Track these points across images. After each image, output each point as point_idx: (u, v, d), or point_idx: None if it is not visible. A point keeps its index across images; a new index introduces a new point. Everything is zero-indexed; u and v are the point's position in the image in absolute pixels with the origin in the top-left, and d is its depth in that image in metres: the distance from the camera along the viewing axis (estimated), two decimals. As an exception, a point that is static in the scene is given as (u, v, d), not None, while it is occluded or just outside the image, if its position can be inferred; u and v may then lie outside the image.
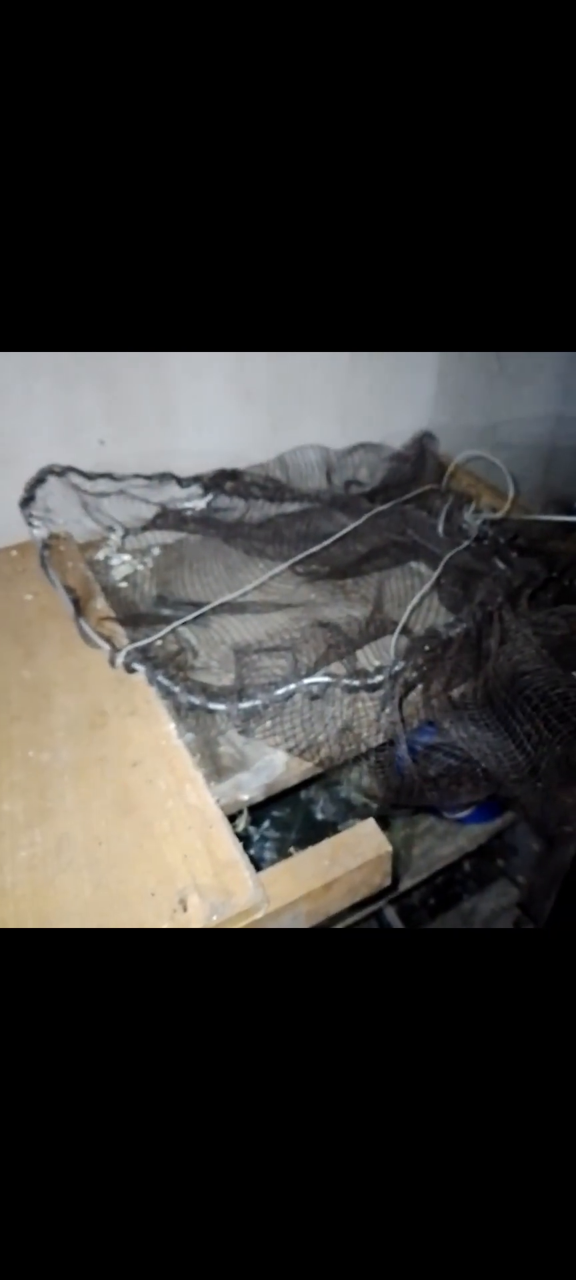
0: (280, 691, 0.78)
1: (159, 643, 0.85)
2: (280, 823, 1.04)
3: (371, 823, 0.69)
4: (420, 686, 0.82)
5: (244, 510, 1.13)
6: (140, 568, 0.98)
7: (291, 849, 1.00)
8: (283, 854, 1.00)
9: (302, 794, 1.08)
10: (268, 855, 1.01)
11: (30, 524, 0.92)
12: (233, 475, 1.09)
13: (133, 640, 0.86)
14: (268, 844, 1.00)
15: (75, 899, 0.60)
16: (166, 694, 0.80)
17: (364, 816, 0.72)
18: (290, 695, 0.79)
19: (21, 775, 0.71)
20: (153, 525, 1.03)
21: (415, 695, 0.83)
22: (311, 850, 0.69)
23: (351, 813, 1.07)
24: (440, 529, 1.06)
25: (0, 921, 0.58)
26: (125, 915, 0.59)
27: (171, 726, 0.77)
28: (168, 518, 1.06)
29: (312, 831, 1.04)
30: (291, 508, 1.12)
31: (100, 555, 0.96)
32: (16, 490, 1.11)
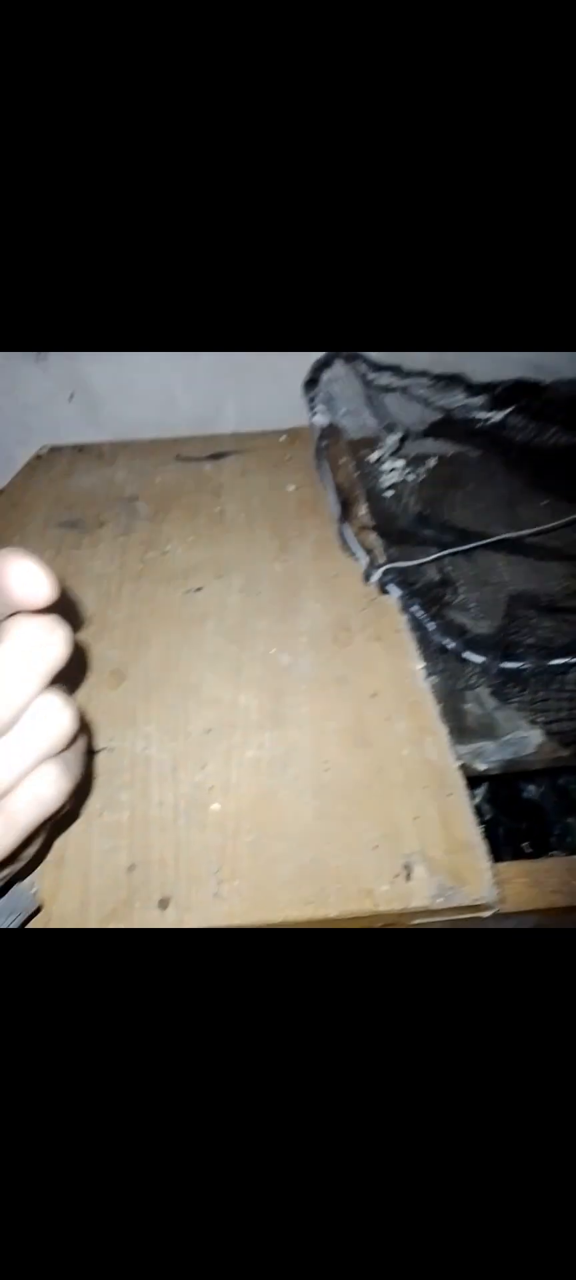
0: (557, 662, 0.64)
1: (419, 568, 0.76)
2: (513, 805, 0.91)
3: None
4: None
5: (536, 432, 0.96)
6: (410, 478, 0.88)
7: (524, 843, 0.87)
8: (510, 844, 0.88)
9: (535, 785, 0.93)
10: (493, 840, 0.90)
11: (312, 409, 0.87)
12: (534, 389, 0.92)
13: (391, 558, 0.78)
14: (500, 827, 0.88)
15: (295, 821, 0.56)
16: (417, 627, 0.71)
17: None
18: (568, 669, 0.64)
19: (260, 671, 0.69)
20: (433, 432, 0.92)
21: None
22: (564, 860, 0.57)
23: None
24: None
25: (222, 818, 0.57)
26: (344, 859, 0.53)
27: (420, 665, 0.68)
28: (450, 427, 0.93)
29: (556, 826, 0.89)
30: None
31: (373, 456, 0.88)
32: (299, 372, 1.07)
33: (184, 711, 0.66)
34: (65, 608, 0.50)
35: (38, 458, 1.06)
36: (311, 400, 0.86)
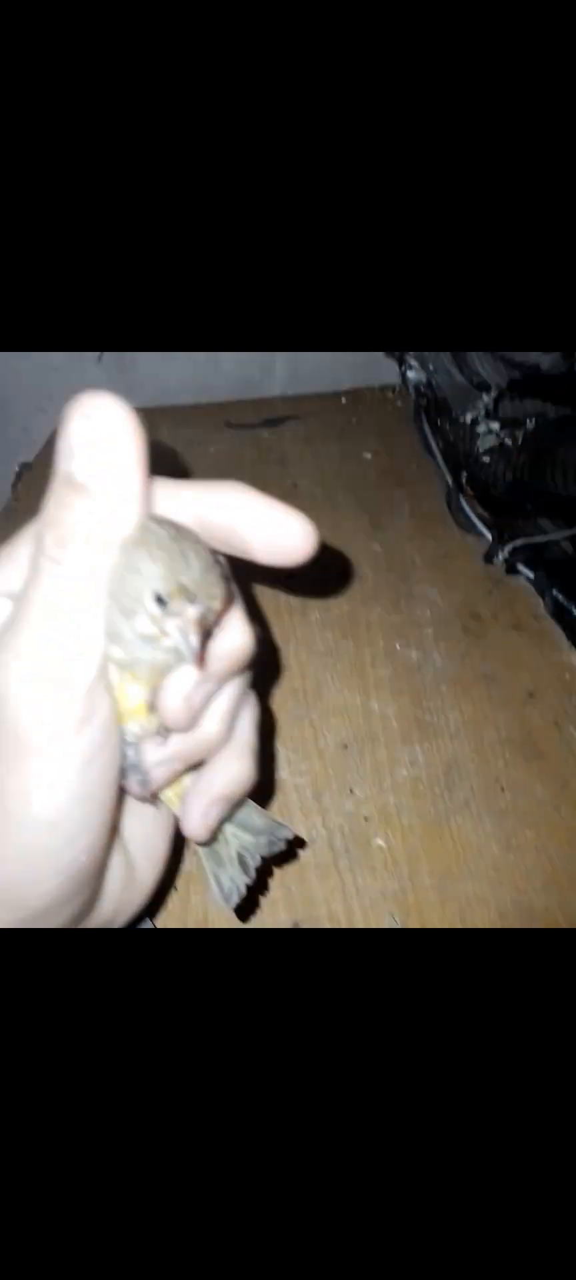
0: None
1: (549, 545, 0.67)
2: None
3: None
4: None
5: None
6: (508, 441, 0.79)
7: None
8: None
9: None
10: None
11: (405, 366, 0.76)
12: None
13: (502, 532, 0.69)
14: None
15: (480, 856, 0.47)
16: (561, 614, 0.62)
17: None
18: None
19: (388, 671, 0.59)
20: (525, 390, 0.82)
21: None
22: None
23: None
24: None
25: (391, 855, 0.47)
26: (554, 898, 0.44)
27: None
28: (541, 384, 0.84)
29: None
30: None
31: (467, 418, 0.78)
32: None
33: (310, 723, 0.55)
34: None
35: (64, 427, 0.92)
36: (400, 357, 0.75)
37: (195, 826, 0.31)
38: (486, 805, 0.49)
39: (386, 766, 0.52)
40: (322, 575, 0.69)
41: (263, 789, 0.50)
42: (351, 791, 0.51)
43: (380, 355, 0.94)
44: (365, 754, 0.53)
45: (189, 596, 0.25)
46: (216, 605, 0.26)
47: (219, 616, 0.27)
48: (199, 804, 0.31)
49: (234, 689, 0.31)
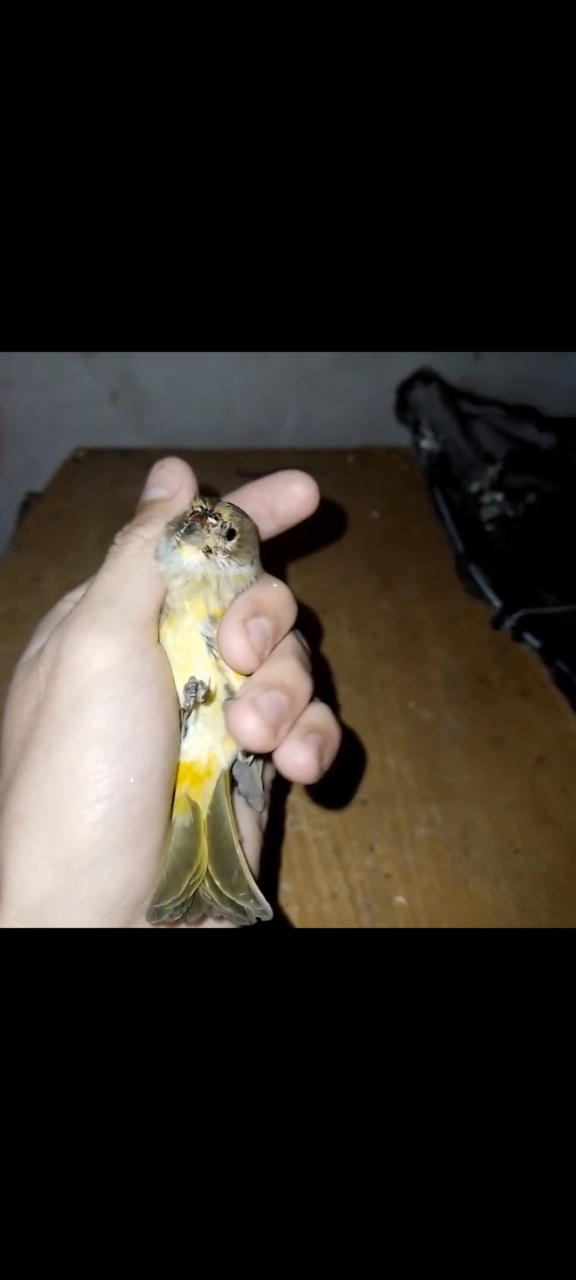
0: None
1: (556, 616, 0.70)
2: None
3: None
4: None
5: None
6: (510, 513, 0.82)
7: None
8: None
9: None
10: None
11: (418, 434, 0.79)
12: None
13: (509, 600, 0.72)
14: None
15: (498, 917, 0.48)
16: (566, 684, 0.65)
17: None
18: None
19: (402, 729, 0.61)
20: (524, 465, 0.87)
21: None
22: None
23: None
24: None
25: (411, 913, 0.48)
26: (569, 967, 0.46)
27: (580, 727, 0.62)
28: (538, 460, 0.89)
29: None
30: None
31: (474, 487, 0.82)
32: (363, 387, 1.00)
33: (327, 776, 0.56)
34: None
35: (75, 460, 0.93)
36: (415, 425, 0.79)
37: (300, 754, 0.31)
38: (502, 868, 0.51)
39: (405, 825, 0.54)
40: (336, 627, 0.71)
41: (275, 839, 0.51)
42: (372, 848, 0.52)
43: (388, 417, 0.98)
44: (384, 811, 0.54)
45: (200, 507, 0.35)
46: (224, 518, 0.34)
47: (233, 535, 0.34)
48: (298, 730, 0.32)
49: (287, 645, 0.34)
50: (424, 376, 0.89)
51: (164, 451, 1.01)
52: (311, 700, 0.33)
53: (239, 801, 0.37)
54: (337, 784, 0.56)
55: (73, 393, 0.94)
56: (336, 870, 0.50)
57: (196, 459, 0.96)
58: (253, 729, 0.30)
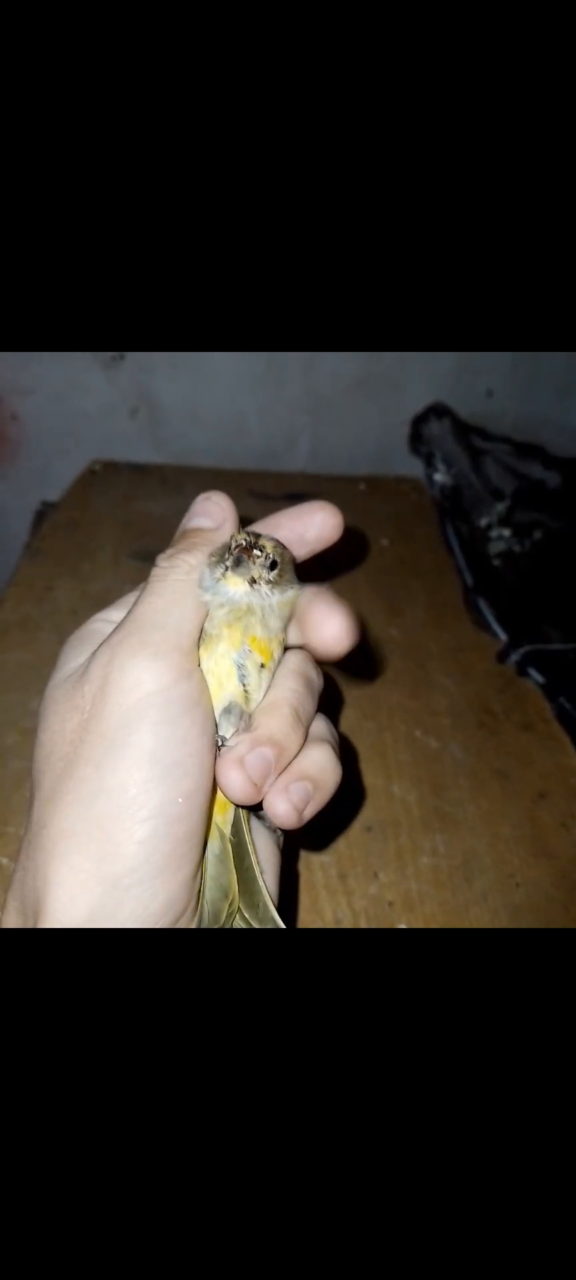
0: None
1: (562, 653, 0.72)
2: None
3: None
4: None
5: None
6: (517, 548, 0.84)
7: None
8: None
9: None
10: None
11: (432, 467, 0.81)
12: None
13: (515, 634, 0.73)
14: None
15: (498, 949, 0.49)
16: (569, 721, 0.66)
17: None
18: None
19: (409, 756, 0.62)
20: (531, 502, 0.89)
21: None
22: None
23: None
24: None
25: (414, 939, 0.49)
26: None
27: (582, 764, 0.63)
28: (544, 497, 0.90)
29: None
30: None
31: (482, 521, 0.84)
32: (376, 417, 1.02)
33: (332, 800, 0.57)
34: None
35: (91, 472, 0.95)
36: (428, 458, 0.80)
37: (280, 805, 0.33)
38: (502, 900, 0.52)
39: (409, 853, 0.55)
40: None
41: (288, 870, 0.52)
42: (376, 875, 0.53)
43: (398, 446, 1.00)
44: (388, 838, 0.55)
45: (246, 540, 0.35)
46: (268, 551, 0.35)
47: (275, 566, 0.35)
48: (283, 780, 0.33)
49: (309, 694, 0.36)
50: (437, 410, 0.91)
51: (178, 469, 1.03)
52: (310, 741, 0.35)
53: (255, 821, 0.39)
54: (345, 810, 0.57)
55: (90, 405, 0.96)
56: (341, 896, 0.51)
57: (209, 477, 0.98)
58: (236, 784, 0.32)
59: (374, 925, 0.50)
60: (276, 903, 0.35)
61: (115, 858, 0.29)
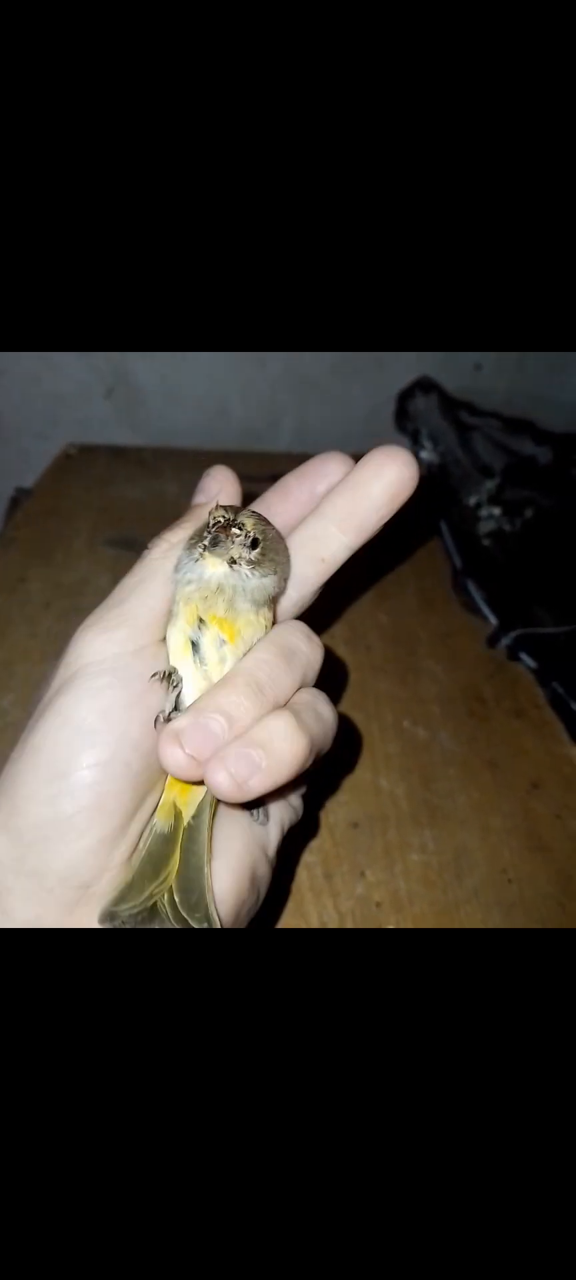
0: None
1: (552, 636, 0.69)
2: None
3: None
4: None
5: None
6: (507, 528, 0.81)
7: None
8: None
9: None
10: None
11: (418, 446, 0.78)
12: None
13: (505, 618, 0.71)
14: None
15: (491, 949, 0.47)
16: (561, 707, 0.64)
17: None
18: None
19: (397, 748, 0.60)
20: (522, 479, 0.86)
21: None
22: None
23: None
24: None
25: (403, 941, 0.47)
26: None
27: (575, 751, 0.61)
28: (535, 474, 0.88)
29: None
30: None
31: (471, 500, 0.81)
32: (361, 395, 0.99)
33: (318, 796, 0.55)
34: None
35: (67, 457, 0.91)
36: (414, 435, 0.78)
37: (217, 773, 0.29)
38: (494, 896, 0.50)
39: (397, 850, 0.52)
40: (330, 640, 0.69)
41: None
42: (363, 874, 0.51)
43: (385, 424, 0.97)
44: (376, 834, 0.53)
45: (223, 517, 0.33)
46: (248, 528, 0.33)
47: (256, 544, 0.34)
48: (230, 748, 0.30)
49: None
50: (423, 385, 0.88)
51: (157, 450, 1.00)
52: (274, 710, 0.32)
53: (247, 821, 0.36)
54: (331, 805, 0.55)
55: (65, 386, 0.92)
56: (326, 897, 0.49)
57: (189, 459, 0.95)
58: (172, 758, 0.30)
59: (360, 927, 0.48)
60: (214, 897, 0.33)
61: (21, 813, 0.30)
